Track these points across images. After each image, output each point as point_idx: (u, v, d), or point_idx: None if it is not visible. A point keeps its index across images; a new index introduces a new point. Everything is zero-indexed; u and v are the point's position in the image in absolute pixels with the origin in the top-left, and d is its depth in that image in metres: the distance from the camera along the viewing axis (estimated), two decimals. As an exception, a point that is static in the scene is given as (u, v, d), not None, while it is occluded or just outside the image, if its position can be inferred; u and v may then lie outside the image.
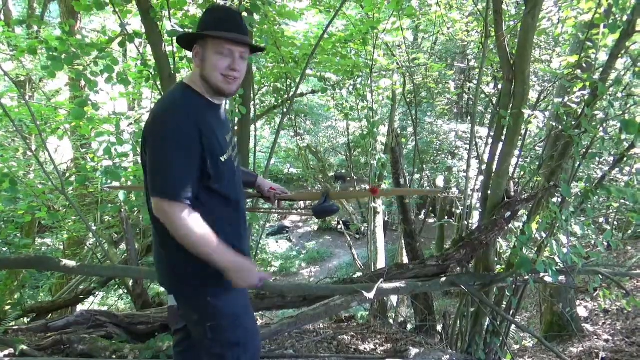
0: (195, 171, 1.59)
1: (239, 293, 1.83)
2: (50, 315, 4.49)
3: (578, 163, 3.26)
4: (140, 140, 1.72)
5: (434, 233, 13.05)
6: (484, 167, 3.92)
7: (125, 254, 4.53)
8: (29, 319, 4.37)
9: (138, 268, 3.87)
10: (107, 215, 5.43)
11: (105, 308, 6.45)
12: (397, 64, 6.20)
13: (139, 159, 4.20)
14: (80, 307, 5.00)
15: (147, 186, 1.62)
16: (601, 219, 7.66)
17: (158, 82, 3.88)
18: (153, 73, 4.00)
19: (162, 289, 5.01)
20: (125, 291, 4.49)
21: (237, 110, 3.67)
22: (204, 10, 1.75)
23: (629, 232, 8.62)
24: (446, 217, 11.95)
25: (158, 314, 3.62)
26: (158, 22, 3.55)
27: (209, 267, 1.61)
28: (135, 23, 4.68)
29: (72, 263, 3.18)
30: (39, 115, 4.39)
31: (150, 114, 1.64)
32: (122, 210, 3.90)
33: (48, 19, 8.80)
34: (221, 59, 1.61)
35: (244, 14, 3.62)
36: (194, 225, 1.54)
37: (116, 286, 4.72)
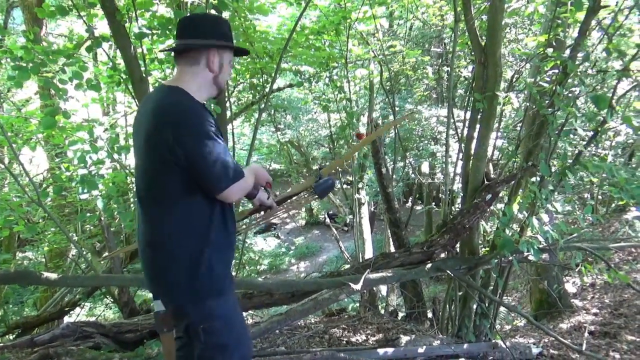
0: None
1: (230, 293, 1.86)
2: (36, 329, 4.42)
3: (554, 141, 3.28)
4: (135, 141, 1.80)
5: (423, 220, 13.15)
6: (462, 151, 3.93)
7: (109, 263, 4.46)
8: (14, 335, 4.29)
9: (122, 276, 3.82)
10: (89, 224, 5.34)
11: (93, 318, 6.38)
12: (373, 52, 6.17)
13: (116, 165, 4.15)
14: (67, 319, 4.92)
15: (146, 187, 1.73)
16: (586, 194, 7.78)
17: (130, 86, 3.81)
18: (124, 77, 3.92)
19: (149, 295, 4.96)
20: (112, 300, 4.43)
21: (212, 109, 3.62)
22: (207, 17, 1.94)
23: (613, 205, 8.76)
24: (432, 203, 12.02)
25: (146, 320, 3.58)
26: (125, 25, 3.47)
27: (203, 270, 1.70)
28: (103, 26, 4.57)
29: (53, 275, 3.11)
30: (9, 127, 4.27)
31: (162, 118, 1.65)
32: (102, 218, 3.84)
33: (12, 26, 8.58)
34: (229, 66, 1.85)
35: (212, 11, 3.56)
36: (247, 184, 1.81)
37: (102, 295, 4.64)
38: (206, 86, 1.80)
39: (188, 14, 2.03)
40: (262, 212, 2.20)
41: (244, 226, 2.50)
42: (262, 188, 2.06)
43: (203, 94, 1.80)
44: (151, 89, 3.93)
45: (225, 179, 1.68)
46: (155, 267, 1.78)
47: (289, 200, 2.29)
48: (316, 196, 2.16)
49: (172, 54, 1.87)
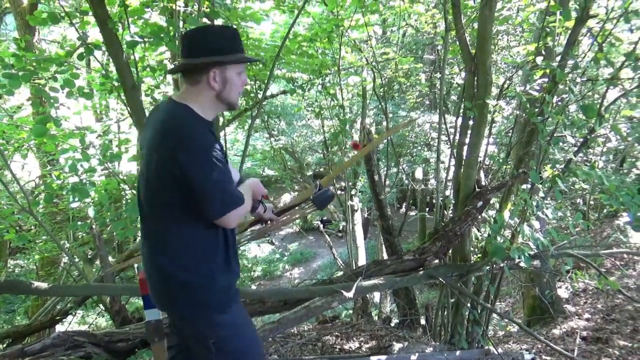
0: None
1: (236, 303, 1.84)
2: (27, 339, 4.37)
3: (544, 149, 3.31)
4: (141, 155, 1.80)
5: (417, 226, 13.17)
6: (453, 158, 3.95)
7: (101, 271, 4.43)
8: (4, 345, 4.25)
9: (114, 285, 3.79)
10: (82, 232, 5.31)
11: (85, 327, 6.33)
12: (365, 59, 6.20)
13: (108, 172, 4.13)
14: (59, 328, 4.87)
15: (149, 201, 1.72)
16: (579, 200, 7.82)
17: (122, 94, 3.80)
18: (116, 85, 3.92)
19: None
20: (104, 309, 4.40)
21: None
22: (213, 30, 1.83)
23: (604, 211, 8.82)
24: (427, 209, 12.04)
25: (137, 329, 3.55)
26: (118, 32, 3.47)
27: (207, 284, 1.70)
28: (96, 33, 4.57)
29: (43, 285, 3.10)
30: (0, 134, 4.25)
31: (163, 136, 1.62)
32: (93, 226, 3.82)
33: (5, 32, 8.54)
34: (240, 77, 1.75)
35: (204, 19, 3.57)
36: (245, 208, 1.79)
37: (94, 304, 4.61)
38: (211, 104, 1.73)
39: (190, 28, 1.98)
40: (262, 225, 2.20)
41: (245, 240, 2.49)
42: (259, 202, 2.04)
43: (210, 112, 1.75)
44: (143, 97, 3.95)
45: (222, 206, 1.66)
46: (159, 281, 1.76)
47: (288, 212, 2.27)
48: (315, 207, 2.14)
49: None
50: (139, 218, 1.86)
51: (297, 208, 2.28)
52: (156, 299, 1.83)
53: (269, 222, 2.16)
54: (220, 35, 1.75)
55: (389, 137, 6.23)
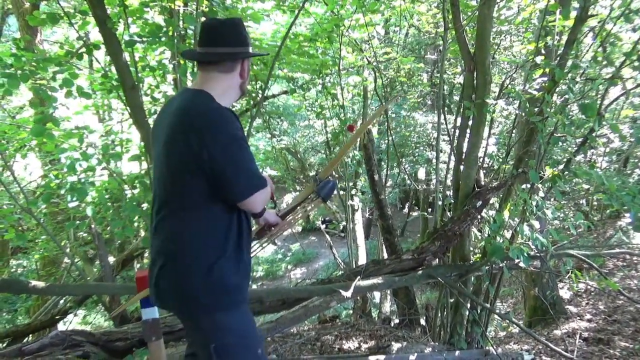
0: None
1: (245, 306, 1.78)
2: (26, 338, 4.38)
3: (544, 148, 3.29)
4: (155, 145, 1.76)
5: (419, 226, 13.13)
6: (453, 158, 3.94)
7: (101, 270, 4.44)
8: (4, 344, 4.26)
9: (111, 284, 3.79)
10: (82, 232, 5.31)
11: (87, 326, 6.34)
12: (367, 59, 6.19)
13: (109, 172, 4.14)
14: (60, 327, 4.88)
15: (165, 192, 1.68)
16: (582, 201, 7.79)
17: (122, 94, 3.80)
18: (115, 84, 3.92)
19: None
20: (104, 308, 4.41)
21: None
22: (241, 24, 1.84)
23: (607, 212, 8.77)
24: (428, 209, 12.01)
25: (135, 329, 3.55)
26: (117, 32, 3.48)
27: (216, 280, 1.64)
28: (97, 34, 4.58)
29: (41, 284, 3.10)
30: (1, 134, 4.26)
31: (189, 120, 1.60)
32: (92, 226, 3.82)
33: (7, 33, 8.57)
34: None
35: (202, 18, 3.57)
36: (268, 193, 1.81)
37: (94, 304, 4.62)
38: (232, 91, 1.78)
39: (209, 20, 1.98)
40: (268, 231, 2.12)
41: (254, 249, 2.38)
42: (270, 200, 1.97)
43: (228, 99, 1.76)
44: (144, 97, 3.95)
45: (250, 187, 1.66)
46: (168, 277, 1.69)
47: (292, 212, 2.18)
48: (321, 200, 2.09)
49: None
50: (137, 217, 1.84)
51: (299, 208, 2.20)
52: (162, 295, 1.74)
53: (274, 226, 2.09)
54: (244, 27, 1.82)
55: (389, 133, 6.20)
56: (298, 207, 2.16)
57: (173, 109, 1.69)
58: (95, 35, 3.93)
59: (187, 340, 2.11)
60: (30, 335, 4.50)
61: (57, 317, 4.41)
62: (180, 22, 3.86)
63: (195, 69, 3.21)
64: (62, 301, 4.79)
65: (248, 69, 1.81)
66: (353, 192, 6.42)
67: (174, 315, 1.83)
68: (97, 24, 3.41)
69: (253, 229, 2.03)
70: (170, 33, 3.50)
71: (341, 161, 6.34)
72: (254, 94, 6.70)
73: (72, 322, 5.81)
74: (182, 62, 3.71)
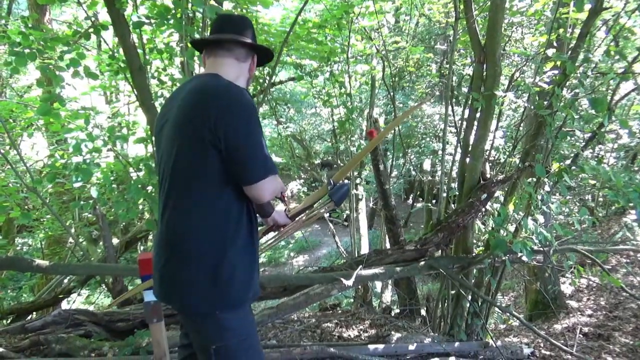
0: None
1: (249, 308, 1.75)
2: (30, 316, 4.44)
3: (551, 142, 3.25)
4: (162, 126, 1.72)
5: (423, 217, 13.12)
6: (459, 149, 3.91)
7: (104, 251, 4.47)
8: (8, 321, 4.32)
9: (114, 265, 3.82)
10: (88, 212, 5.33)
11: (91, 306, 6.41)
12: (375, 48, 6.14)
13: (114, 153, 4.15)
14: (64, 306, 4.94)
15: (174, 172, 1.62)
16: (588, 196, 7.74)
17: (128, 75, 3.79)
18: (122, 66, 3.91)
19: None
20: (106, 288, 4.45)
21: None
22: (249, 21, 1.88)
23: (613, 208, 8.72)
24: (433, 201, 11.98)
25: (137, 310, 3.59)
26: (125, 13, 3.45)
27: (225, 273, 1.58)
28: (105, 14, 4.55)
29: (44, 263, 3.13)
30: (8, 113, 4.28)
31: (206, 100, 1.57)
32: (97, 207, 3.84)
33: (17, 11, 8.56)
34: None
35: (212, 2, 3.54)
36: (277, 182, 1.74)
37: (97, 284, 4.66)
38: (242, 80, 1.78)
39: (227, 13, 2.04)
40: (276, 231, 2.08)
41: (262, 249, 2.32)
42: (278, 199, 1.94)
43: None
44: (150, 80, 3.94)
45: (263, 168, 1.60)
46: (172, 265, 1.62)
47: (303, 213, 2.11)
48: (334, 204, 2.01)
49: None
50: (142, 200, 1.82)
51: (307, 211, 2.14)
52: (164, 285, 1.67)
53: (283, 227, 2.05)
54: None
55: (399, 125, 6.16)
56: (308, 210, 2.09)
57: (185, 92, 1.65)
58: (104, 15, 3.90)
59: (182, 330, 2.06)
60: (34, 312, 4.57)
61: (61, 296, 4.46)
62: (189, 5, 3.83)
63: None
64: (65, 280, 4.84)
65: (254, 68, 1.84)
66: (357, 181, 6.41)
67: (176, 312, 1.79)
68: (106, 4, 3.39)
69: (260, 228, 1.98)
70: (179, 15, 3.48)
71: (347, 150, 6.33)
72: (261, 80, 6.67)
73: (76, 302, 5.88)
74: (189, 45, 3.68)
